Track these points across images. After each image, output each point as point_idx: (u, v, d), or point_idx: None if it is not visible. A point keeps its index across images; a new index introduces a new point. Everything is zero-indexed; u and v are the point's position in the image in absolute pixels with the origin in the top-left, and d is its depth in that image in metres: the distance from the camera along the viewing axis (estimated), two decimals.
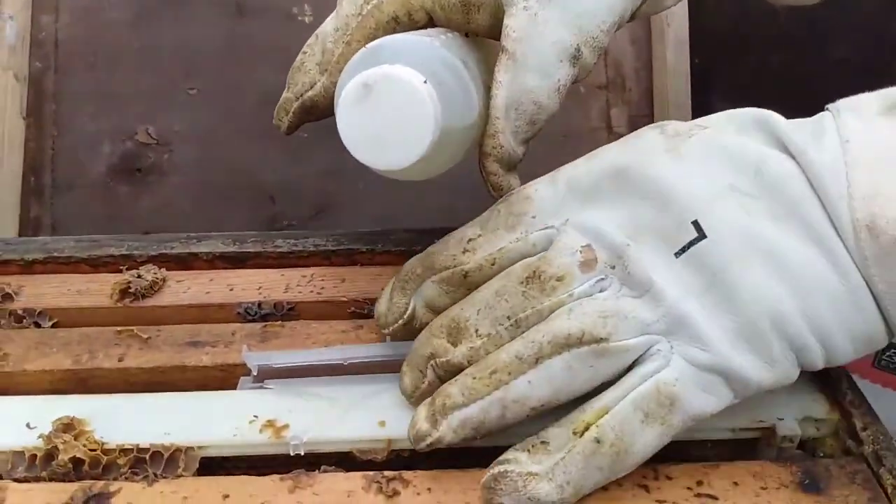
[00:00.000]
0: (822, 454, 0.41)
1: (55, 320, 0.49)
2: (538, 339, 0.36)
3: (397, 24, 0.43)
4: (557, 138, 0.86)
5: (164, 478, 0.39)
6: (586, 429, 0.35)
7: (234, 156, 0.88)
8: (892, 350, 0.77)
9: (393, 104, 0.35)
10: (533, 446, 0.36)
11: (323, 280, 0.51)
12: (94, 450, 0.39)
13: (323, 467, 0.39)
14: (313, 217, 0.88)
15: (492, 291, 0.38)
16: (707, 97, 0.95)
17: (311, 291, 0.50)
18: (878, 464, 0.38)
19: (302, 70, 0.46)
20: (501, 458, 0.36)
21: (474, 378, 0.37)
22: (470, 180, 0.87)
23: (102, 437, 0.40)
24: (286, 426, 0.40)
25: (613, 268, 0.37)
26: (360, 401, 0.42)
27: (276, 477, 0.38)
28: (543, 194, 0.40)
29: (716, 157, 0.38)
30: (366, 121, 0.35)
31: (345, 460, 0.40)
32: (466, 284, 0.40)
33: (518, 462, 0.35)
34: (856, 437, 0.40)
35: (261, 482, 0.38)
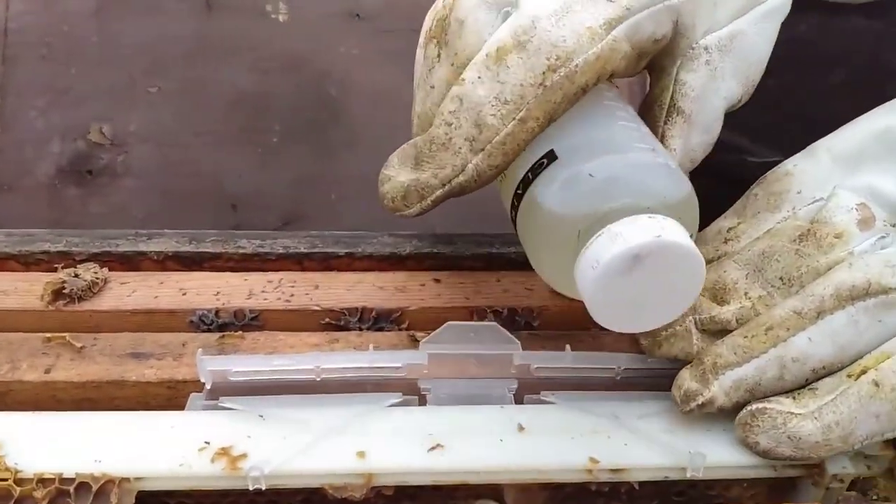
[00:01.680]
0: (875, 496, 0.35)
1: None
2: (818, 293, 0.34)
3: (583, 94, 0.35)
4: None
5: None
6: (863, 372, 0.33)
7: (196, 160, 0.82)
8: None
9: (664, 269, 0.31)
10: (799, 393, 0.34)
11: (293, 286, 0.44)
12: (5, 479, 0.32)
13: None
14: (280, 228, 0.81)
15: (757, 252, 0.37)
16: None
17: (279, 299, 0.43)
18: None
19: (450, 149, 0.35)
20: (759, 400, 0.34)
21: (746, 337, 0.34)
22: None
23: (17, 463, 0.32)
24: (243, 455, 0.33)
25: (894, 225, 0.36)
26: (335, 425, 0.35)
27: None
28: (804, 167, 0.39)
29: None
30: (627, 290, 0.31)
31: (313, 497, 0.34)
32: None
33: (780, 402, 0.34)
34: None
35: None
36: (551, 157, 0.34)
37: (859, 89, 0.92)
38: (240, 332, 0.41)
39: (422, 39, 0.40)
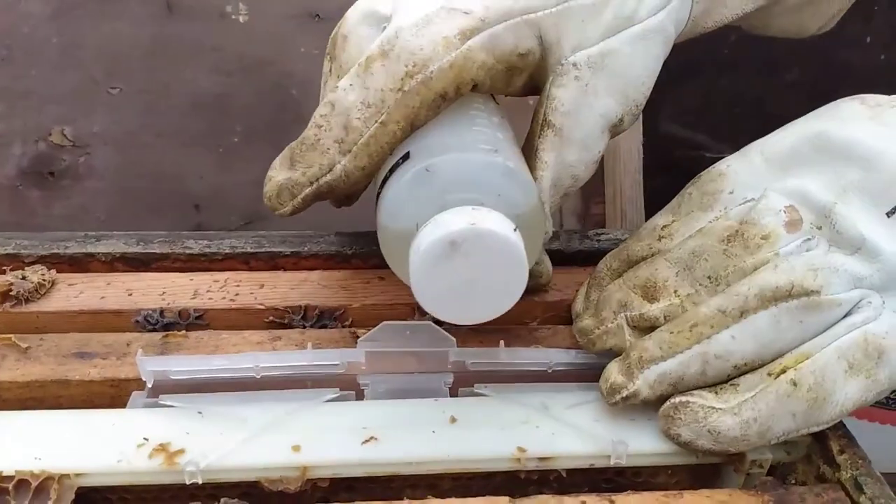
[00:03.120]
0: (793, 481, 0.37)
1: None
2: (743, 293, 0.34)
3: (443, 101, 0.37)
4: None
5: None
6: (783, 372, 0.34)
7: (158, 161, 0.82)
8: None
9: (482, 258, 0.32)
10: (721, 388, 0.35)
11: (238, 286, 0.45)
12: None
13: (224, 500, 0.33)
14: (242, 227, 0.82)
15: (687, 251, 0.38)
16: (655, 120, 0.93)
17: (224, 298, 0.44)
18: (859, 491, 0.34)
19: (318, 149, 0.38)
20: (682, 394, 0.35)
21: (672, 332, 0.35)
22: None
23: None
24: (181, 451, 0.34)
25: (820, 228, 0.36)
26: (271, 421, 0.36)
27: None
28: (737, 168, 0.39)
29: None
30: (448, 277, 0.32)
31: (252, 491, 0.34)
32: None
33: (702, 397, 0.35)
34: (832, 462, 0.35)
35: None
36: (406, 157, 0.36)
37: (813, 88, 0.94)
38: (183, 332, 0.42)
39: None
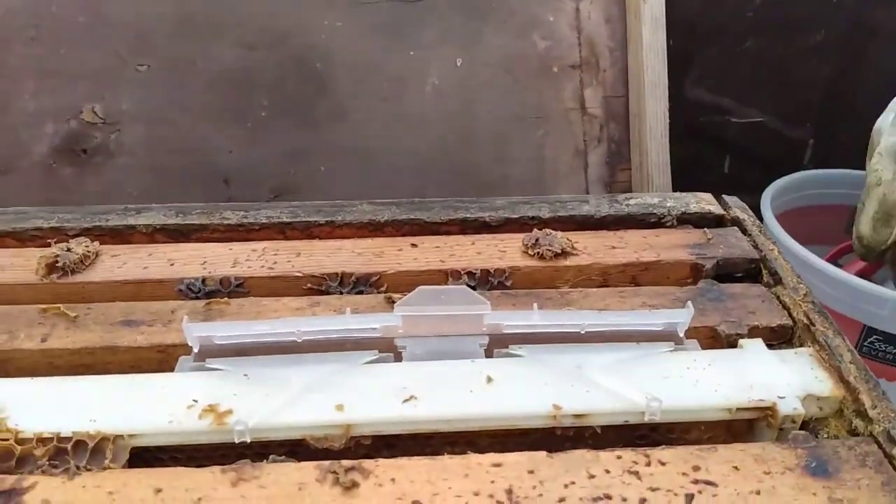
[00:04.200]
0: (825, 435, 0.37)
1: None
2: None
3: None
4: (531, 119, 0.83)
5: (88, 470, 0.34)
6: None
7: (186, 136, 0.84)
8: (875, 336, 0.74)
9: None
10: None
11: (275, 254, 0.46)
12: (6, 439, 0.34)
13: (272, 457, 0.35)
14: (271, 201, 0.83)
15: None
16: (681, 80, 0.93)
17: (262, 266, 0.45)
18: (892, 444, 0.34)
19: None
20: None
21: None
22: (440, 164, 0.83)
23: (17, 424, 0.35)
24: (229, 411, 0.35)
25: None
26: (315, 382, 0.37)
27: (216, 469, 0.33)
28: None
29: None
30: None
31: (297, 449, 0.36)
32: None
33: None
34: (864, 416, 0.36)
35: (198, 475, 0.33)
36: None
37: (839, 49, 0.93)
38: (225, 299, 0.43)
39: None
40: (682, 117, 0.88)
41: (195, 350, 0.38)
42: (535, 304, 0.40)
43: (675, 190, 0.74)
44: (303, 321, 0.39)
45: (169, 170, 0.84)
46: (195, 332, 0.38)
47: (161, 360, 0.40)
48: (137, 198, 0.84)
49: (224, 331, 0.38)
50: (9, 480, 0.32)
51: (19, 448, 0.34)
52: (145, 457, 0.36)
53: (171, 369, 0.39)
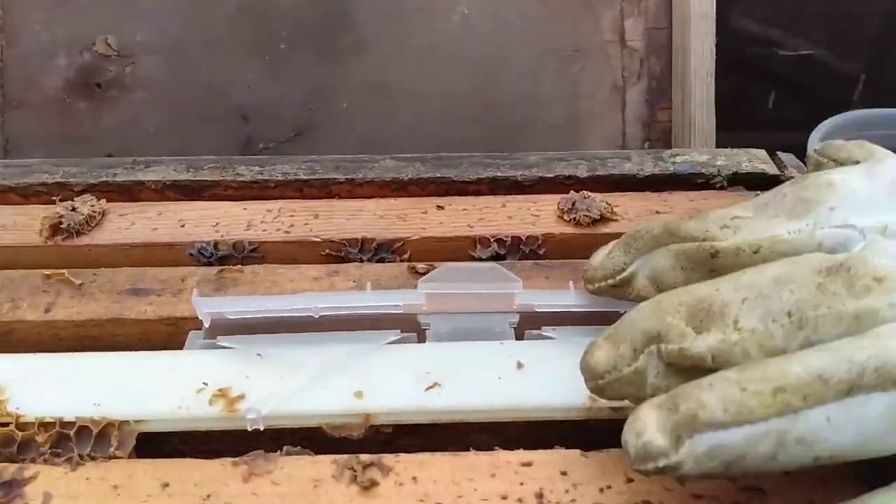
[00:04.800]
0: None
1: None
2: (858, 360, 0.25)
3: None
4: (568, 52, 0.78)
5: (93, 459, 0.32)
6: None
7: (204, 70, 0.80)
8: None
9: None
10: None
11: (292, 216, 0.43)
12: (7, 423, 0.32)
13: (286, 448, 0.32)
14: (291, 139, 0.80)
15: (768, 277, 0.28)
16: (726, 15, 0.86)
17: (278, 229, 0.42)
18: None
19: None
20: None
21: (744, 389, 0.25)
22: (468, 101, 0.78)
23: (19, 407, 0.33)
24: (241, 396, 0.33)
25: None
26: (333, 365, 0.34)
27: (227, 461, 0.31)
28: (853, 185, 0.32)
29: None
30: None
31: (313, 438, 0.34)
32: (711, 266, 0.32)
33: None
34: None
35: (209, 467, 0.31)
36: None
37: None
38: (239, 266, 0.40)
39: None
40: (727, 50, 0.83)
41: (206, 326, 0.36)
42: (570, 282, 0.36)
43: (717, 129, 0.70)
44: (321, 297, 0.36)
45: (186, 105, 0.81)
46: (206, 307, 0.36)
47: (171, 332, 0.38)
48: (153, 134, 0.81)
49: (236, 306, 0.36)
50: (10, 470, 0.31)
51: (20, 434, 0.32)
52: (152, 442, 0.34)
53: (181, 343, 0.37)
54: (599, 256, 0.35)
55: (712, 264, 0.32)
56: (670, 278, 0.33)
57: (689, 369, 0.28)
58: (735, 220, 0.32)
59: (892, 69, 0.93)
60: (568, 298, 0.36)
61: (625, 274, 0.34)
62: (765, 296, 0.28)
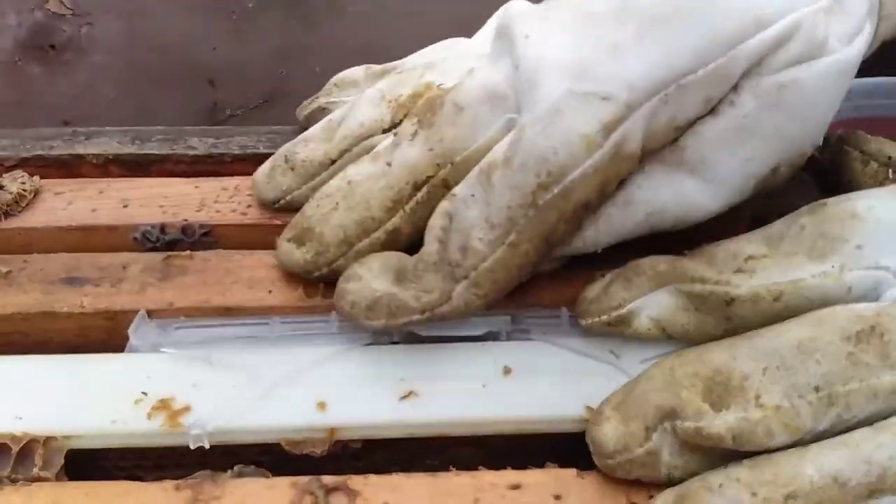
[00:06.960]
0: None
1: None
2: (878, 460, 0.23)
3: (586, 211, 0.30)
4: None
5: (13, 482, 0.27)
6: None
7: (166, 30, 0.74)
8: None
9: None
10: None
11: (250, 195, 0.38)
12: None
13: (237, 468, 0.28)
14: (261, 105, 0.75)
15: (791, 342, 0.26)
16: None
17: (234, 211, 0.37)
18: None
19: (440, 271, 0.29)
20: None
21: (755, 495, 0.24)
22: None
23: None
24: (185, 408, 0.29)
25: None
26: (293, 372, 0.30)
27: (168, 484, 0.27)
28: (881, 216, 0.28)
29: None
30: None
31: (272, 453, 0.29)
32: (725, 312, 0.29)
33: None
34: None
35: (147, 491, 0.27)
36: None
37: None
38: (188, 252, 0.36)
39: (378, 95, 0.37)
40: None
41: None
42: (563, 309, 0.32)
43: None
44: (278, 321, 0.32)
45: (148, 69, 0.76)
46: (143, 337, 0.31)
47: (109, 328, 0.33)
48: (114, 100, 0.76)
49: (180, 337, 0.31)
50: None
51: None
52: (83, 461, 0.29)
53: (122, 341, 0.32)
54: (595, 290, 0.31)
55: (727, 311, 0.29)
56: (681, 321, 0.30)
57: (707, 449, 0.26)
58: (750, 262, 0.29)
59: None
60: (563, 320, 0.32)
61: (622, 311, 0.30)
62: (788, 367, 0.26)
